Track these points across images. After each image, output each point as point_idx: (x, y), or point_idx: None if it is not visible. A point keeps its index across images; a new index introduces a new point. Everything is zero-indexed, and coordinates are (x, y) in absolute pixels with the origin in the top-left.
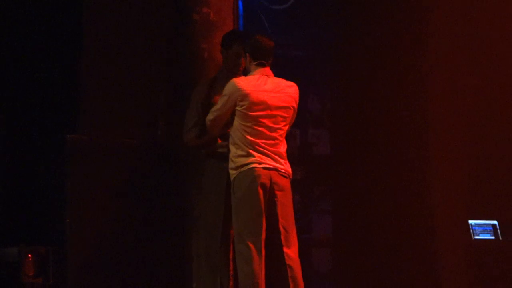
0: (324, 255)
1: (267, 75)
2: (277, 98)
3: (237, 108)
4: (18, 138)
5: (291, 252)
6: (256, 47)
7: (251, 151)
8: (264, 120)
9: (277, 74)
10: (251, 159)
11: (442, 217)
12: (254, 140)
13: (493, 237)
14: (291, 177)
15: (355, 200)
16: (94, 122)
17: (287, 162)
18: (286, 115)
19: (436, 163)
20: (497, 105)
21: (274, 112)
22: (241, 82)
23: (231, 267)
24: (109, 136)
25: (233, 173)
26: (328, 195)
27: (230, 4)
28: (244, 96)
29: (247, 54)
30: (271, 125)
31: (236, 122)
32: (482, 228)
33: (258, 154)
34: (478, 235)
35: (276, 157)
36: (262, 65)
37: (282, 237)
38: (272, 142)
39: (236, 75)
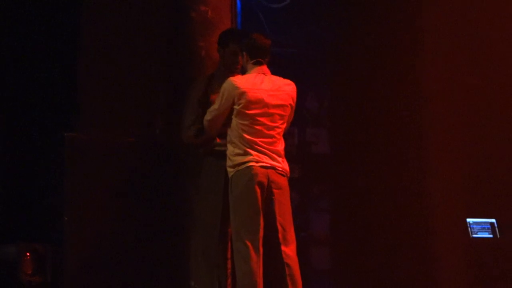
0: (323, 254)
1: (264, 74)
2: (274, 96)
3: (235, 106)
4: (17, 138)
5: (289, 250)
6: (253, 45)
7: (248, 149)
8: (262, 119)
9: (275, 72)
10: (249, 157)
11: (441, 217)
12: (252, 138)
13: (491, 235)
14: (288, 175)
15: (354, 199)
16: (94, 122)
17: (284, 160)
18: (284, 113)
19: (435, 163)
20: (497, 105)
21: (272, 111)
22: (238, 81)
23: (229, 265)
24: (108, 135)
25: (230, 171)
26: (327, 194)
27: (228, 2)
28: (241, 95)
29: (244, 52)
30: (269, 123)
31: (234, 120)
32: (480, 226)
33: (256, 153)
34: (476, 233)
35: (274, 155)
36: (259, 63)
37: (280, 235)
38: (270, 140)
39: (233, 73)
